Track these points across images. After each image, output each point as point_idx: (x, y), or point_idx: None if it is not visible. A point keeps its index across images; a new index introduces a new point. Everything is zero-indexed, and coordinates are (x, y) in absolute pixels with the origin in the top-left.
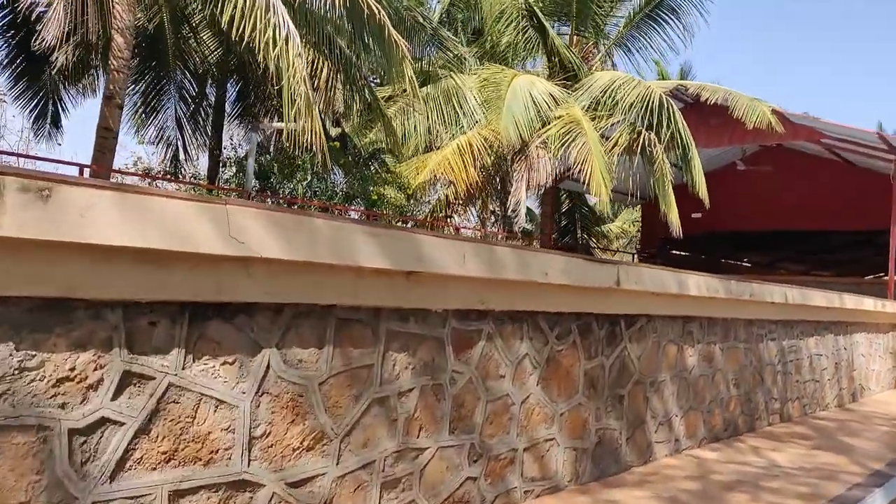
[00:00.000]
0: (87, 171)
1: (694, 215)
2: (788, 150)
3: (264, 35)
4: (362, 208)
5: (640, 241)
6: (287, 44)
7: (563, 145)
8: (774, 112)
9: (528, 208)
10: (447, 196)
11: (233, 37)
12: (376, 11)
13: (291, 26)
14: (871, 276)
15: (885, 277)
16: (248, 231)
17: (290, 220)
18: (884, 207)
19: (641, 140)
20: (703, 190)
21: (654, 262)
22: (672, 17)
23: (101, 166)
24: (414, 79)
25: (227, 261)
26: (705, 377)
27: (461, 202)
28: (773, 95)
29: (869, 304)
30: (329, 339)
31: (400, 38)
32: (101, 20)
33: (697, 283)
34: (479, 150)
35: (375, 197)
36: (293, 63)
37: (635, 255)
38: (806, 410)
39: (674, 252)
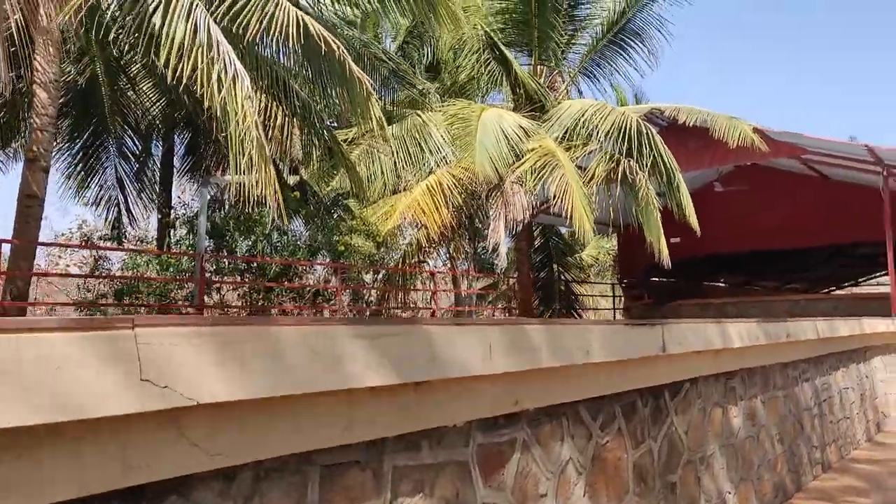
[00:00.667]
0: (6, 247)
1: (673, 240)
2: (763, 167)
3: (208, 77)
4: (328, 260)
5: (619, 270)
6: (235, 85)
7: (539, 179)
8: (756, 130)
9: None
10: (418, 240)
11: (169, 79)
12: (335, 48)
13: (239, 65)
14: (836, 288)
15: (857, 289)
16: (174, 365)
17: (241, 335)
18: (861, 219)
19: (621, 168)
20: (692, 216)
21: (637, 291)
22: (636, 41)
23: (24, 239)
24: (382, 117)
25: (142, 420)
26: (751, 439)
27: (434, 245)
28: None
29: (882, 325)
30: (312, 500)
31: (363, 74)
32: (23, 76)
33: (739, 333)
34: (449, 189)
35: (342, 247)
36: (242, 106)
37: (615, 286)
38: (842, 453)
39: (654, 280)
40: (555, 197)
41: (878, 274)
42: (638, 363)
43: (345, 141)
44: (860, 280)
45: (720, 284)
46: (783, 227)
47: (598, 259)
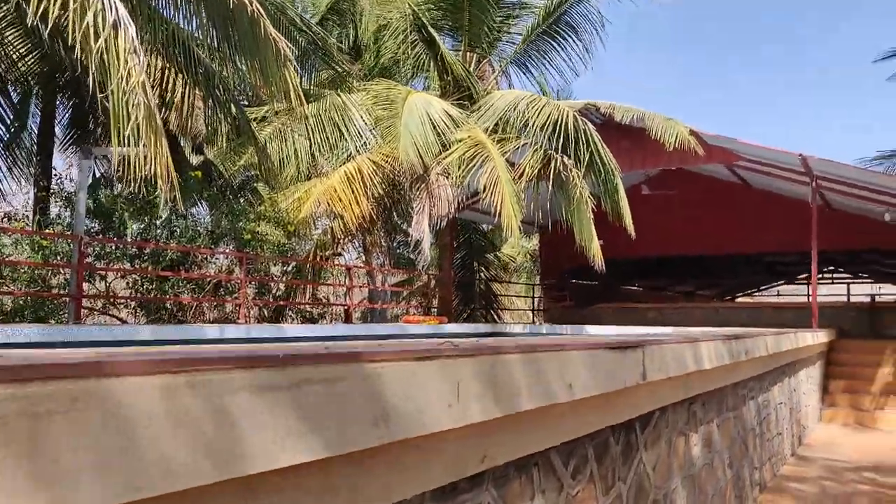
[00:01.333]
0: None
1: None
2: (689, 172)
3: (81, 20)
4: (231, 249)
5: (540, 270)
6: (116, 35)
7: (467, 171)
8: (692, 133)
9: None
10: (333, 230)
11: (30, 17)
12: (247, 2)
13: (123, 11)
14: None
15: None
16: None
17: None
18: (779, 229)
19: (554, 165)
20: (628, 219)
21: (558, 293)
22: (571, 34)
23: None
24: (299, 88)
25: None
26: (707, 466)
27: (350, 237)
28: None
29: (809, 338)
30: None
31: (279, 36)
32: None
33: (709, 354)
34: (370, 177)
35: (248, 235)
36: (126, 62)
37: (533, 287)
38: (774, 470)
39: (574, 282)
40: (484, 191)
41: (776, 284)
42: (618, 395)
43: (255, 119)
44: (762, 288)
45: (637, 289)
46: (704, 234)
47: (514, 258)
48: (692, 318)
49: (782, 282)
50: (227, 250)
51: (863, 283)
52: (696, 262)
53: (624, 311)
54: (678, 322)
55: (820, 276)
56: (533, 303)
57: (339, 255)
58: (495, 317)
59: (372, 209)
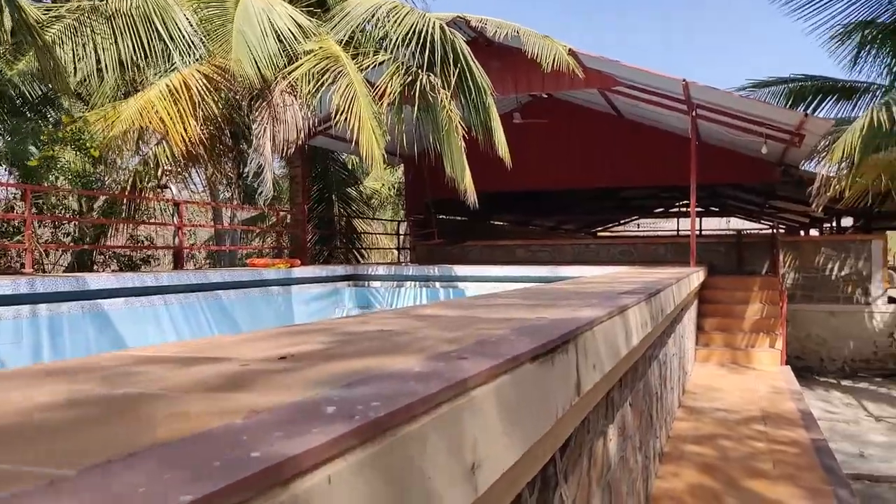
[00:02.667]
0: None
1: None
2: (562, 101)
3: None
4: (13, 180)
5: (406, 205)
6: None
7: (318, 88)
8: (571, 53)
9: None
10: (157, 156)
11: None
12: None
13: None
14: (603, 229)
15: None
16: None
17: None
18: (655, 164)
19: (419, 85)
20: (503, 146)
21: (425, 229)
22: None
23: None
24: None
25: None
26: (622, 460)
27: (180, 166)
28: None
29: (695, 280)
30: None
31: None
32: None
33: (637, 324)
34: (200, 93)
35: (35, 162)
36: None
37: (400, 223)
38: (668, 431)
39: (442, 216)
40: (339, 112)
41: (635, 218)
42: (544, 437)
43: (45, 21)
44: (622, 222)
45: (503, 224)
46: (574, 167)
47: (378, 192)
48: (563, 254)
49: (637, 217)
50: (7, 181)
51: (713, 217)
52: (565, 196)
53: (492, 249)
54: (549, 259)
55: (678, 210)
56: (398, 240)
57: (164, 187)
58: (357, 257)
59: (206, 132)
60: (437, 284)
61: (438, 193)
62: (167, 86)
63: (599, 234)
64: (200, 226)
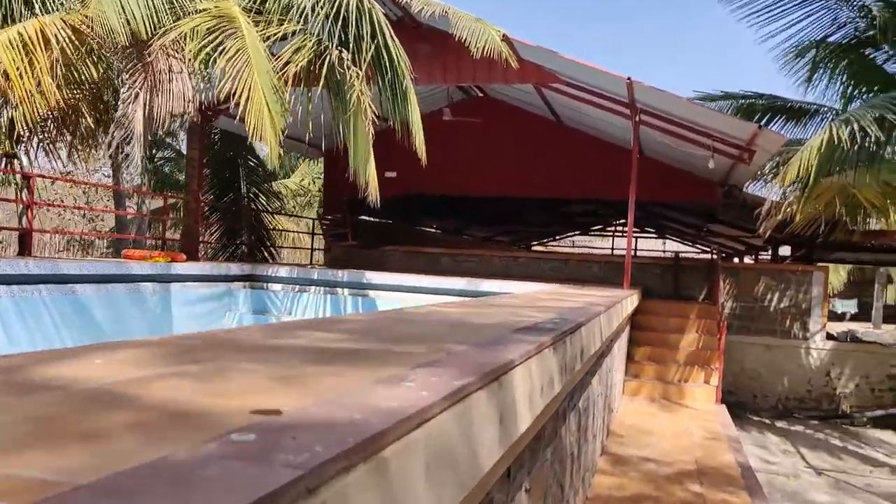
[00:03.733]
0: None
1: (388, 174)
2: (497, 102)
3: None
4: None
5: (322, 203)
6: None
7: (209, 53)
8: (505, 39)
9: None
10: (13, 120)
11: None
12: None
13: None
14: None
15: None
16: None
17: None
18: (594, 176)
19: (329, 60)
20: (419, 139)
21: (340, 230)
22: None
23: None
24: None
25: None
26: None
27: (45, 133)
28: None
29: (628, 305)
30: None
31: None
32: None
33: (531, 390)
34: (65, 47)
35: None
36: None
37: (317, 221)
38: (586, 492)
39: (363, 218)
40: (225, 80)
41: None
42: None
43: None
44: (557, 238)
45: (435, 231)
46: (509, 173)
47: (304, 188)
48: (491, 267)
49: (574, 233)
50: None
51: (647, 237)
52: (498, 205)
53: (415, 256)
54: (476, 271)
55: (614, 228)
56: (312, 240)
57: (12, 157)
58: (267, 255)
59: (72, 95)
60: (345, 292)
61: (355, 191)
62: (20, 36)
63: (534, 248)
64: (104, 211)
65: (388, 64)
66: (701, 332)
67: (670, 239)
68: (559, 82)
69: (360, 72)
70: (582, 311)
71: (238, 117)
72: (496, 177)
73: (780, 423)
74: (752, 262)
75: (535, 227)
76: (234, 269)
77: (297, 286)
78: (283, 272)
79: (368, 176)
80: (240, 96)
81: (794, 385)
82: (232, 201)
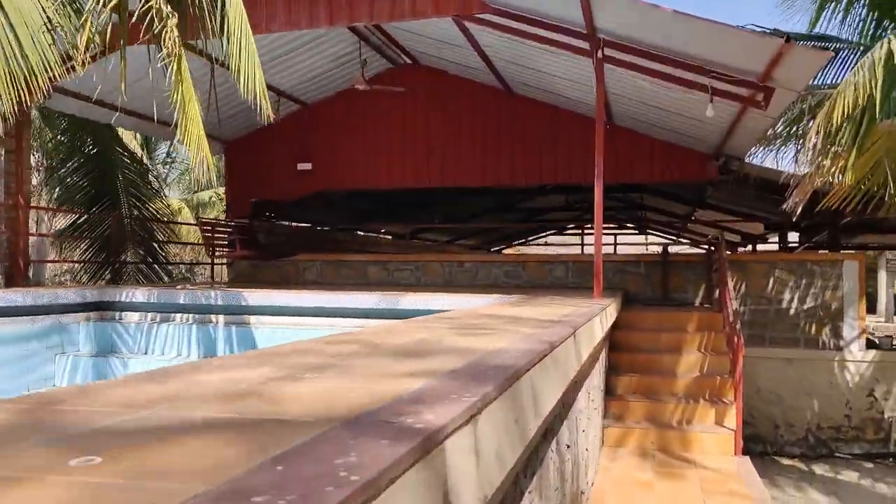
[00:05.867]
0: None
1: (301, 166)
2: (430, 71)
3: None
4: None
5: (227, 205)
6: None
7: None
8: None
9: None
10: None
11: None
12: None
13: None
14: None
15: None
16: None
17: None
18: (554, 156)
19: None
20: (260, 88)
21: (238, 237)
22: None
23: None
24: None
25: None
26: None
27: None
28: None
29: (598, 329)
30: None
31: None
32: None
33: None
34: None
35: None
36: None
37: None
38: None
39: (274, 219)
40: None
41: (543, 234)
42: None
43: None
44: (529, 239)
45: (384, 236)
46: (453, 160)
47: (220, 196)
48: (431, 275)
49: (547, 233)
50: None
51: (628, 233)
52: (455, 205)
53: (336, 266)
54: (410, 281)
55: (589, 225)
56: (212, 253)
57: None
58: (155, 274)
59: None
60: (221, 320)
61: (261, 191)
62: None
63: (493, 250)
64: None
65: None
66: (705, 349)
67: (654, 234)
68: (489, 11)
69: (172, 22)
70: (509, 361)
71: (97, 102)
72: (434, 165)
73: (820, 470)
74: (763, 251)
75: (500, 229)
76: (72, 295)
77: (159, 314)
78: (139, 296)
79: (203, 150)
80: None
81: (827, 409)
82: (105, 209)
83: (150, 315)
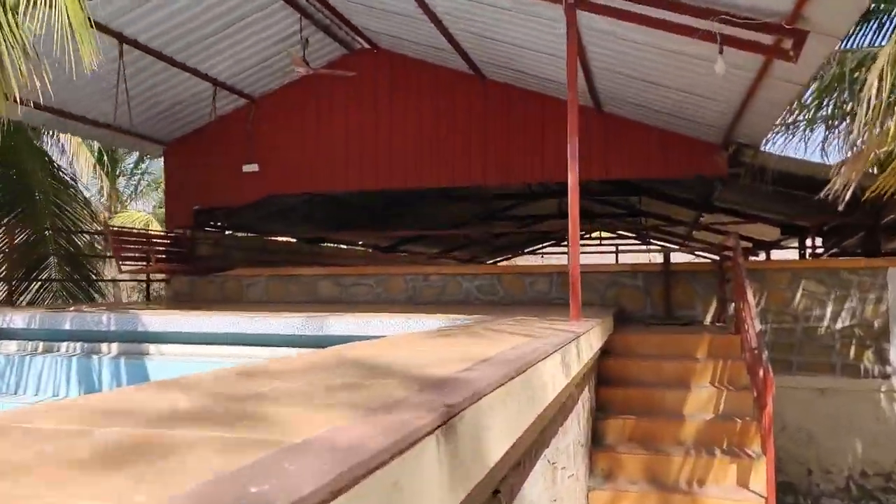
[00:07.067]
0: None
1: (247, 168)
2: (394, 55)
3: None
4: None
5: (167, 214)
6: None
7: None
8: None
9: None
10: None
11: None
12: None
13: None
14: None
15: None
16: None
17: None
18: (544, 151)
19: None
20: (85, 42)
21: (181, 249)
22: None
23: None
24: None
25: None
26: None
27: None
28: None
29: (558, 371)
30: None
31: None
32: None
33: None
34: None
35: None
36: None
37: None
38: None
39: (218, 230)
40: None
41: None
42: None
43: None
44: (524, 251)
45: (358, 248)
46: (422, 160)
47: None
48: (392, 290)
49: (544, 244)
50: None
51: (629, 241)
52: (421, 205)
53: (284, 282)
54: (367, 298)
55: (585, 234)
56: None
57: None
58: (83, 292)
59: None
60: (113, 350)
61: (203, 198)
62: None
63: (471, 263)
64: None
65: None
66: (719, 383)
67: (656, 244)
68: None
69: None
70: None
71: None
72: (398, 164)
73: None
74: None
75: (489, 240)
76: None
77: (41, 343)
78: (19, 321)
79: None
80: None
81: (872, 452)
82: (21, 220)
83: (30, 344)
